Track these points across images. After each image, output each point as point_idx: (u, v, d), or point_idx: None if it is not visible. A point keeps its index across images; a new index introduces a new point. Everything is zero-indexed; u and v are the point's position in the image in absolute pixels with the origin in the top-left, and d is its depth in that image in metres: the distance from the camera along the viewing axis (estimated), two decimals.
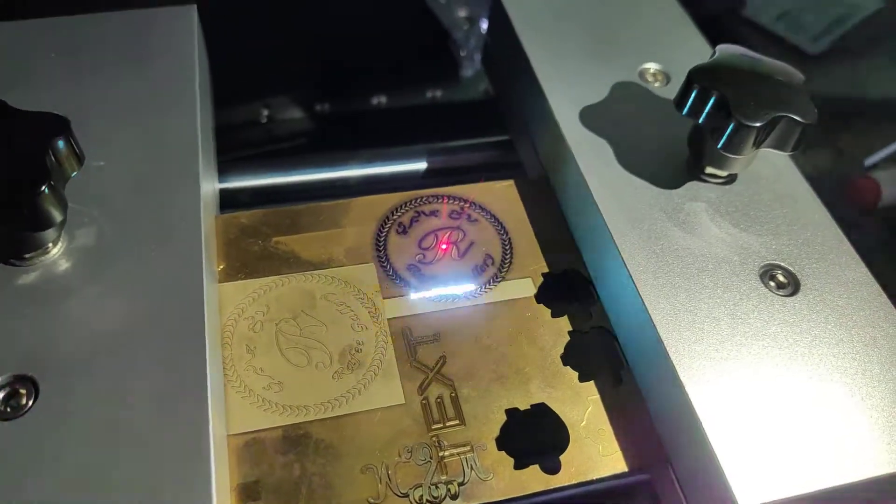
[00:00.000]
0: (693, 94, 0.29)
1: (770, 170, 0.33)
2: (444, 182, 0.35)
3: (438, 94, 0.59)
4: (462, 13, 0.63)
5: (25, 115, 0.24)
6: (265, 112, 0.55)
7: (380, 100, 0.58)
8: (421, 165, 0.42)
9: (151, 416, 0.23)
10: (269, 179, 0.40)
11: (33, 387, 0.23)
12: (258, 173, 0.40)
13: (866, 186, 0.50)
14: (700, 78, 0.29)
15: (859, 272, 0.30)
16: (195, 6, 0.36)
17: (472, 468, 0.26)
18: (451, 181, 0.35)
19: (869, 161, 0.54)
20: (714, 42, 0.33)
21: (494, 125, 0.44)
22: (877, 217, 0.48)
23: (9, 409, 0.23)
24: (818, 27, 0.69)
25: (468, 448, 0.26)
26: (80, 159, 0.25)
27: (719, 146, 0.29)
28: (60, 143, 0.23)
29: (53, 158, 0.23)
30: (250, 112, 0.55)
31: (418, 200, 0.33)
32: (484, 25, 0.63)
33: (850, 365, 0.27)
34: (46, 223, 0.23)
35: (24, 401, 0.23)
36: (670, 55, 0.37)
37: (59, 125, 0.24)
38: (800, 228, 0.31)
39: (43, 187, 0.22)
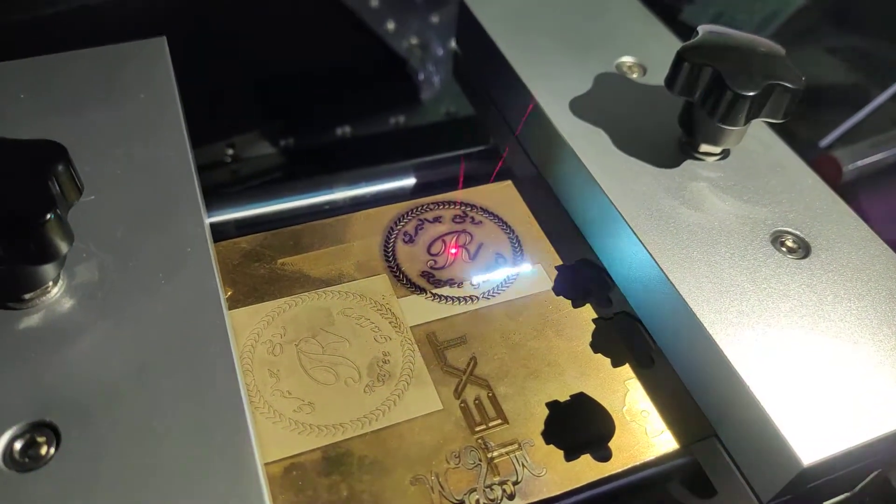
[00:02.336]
0: (685, 72, 0.30)
1: (757, 144, 0.34)
2: (429, 194, 0.35)
3: (402, 119, 0.59)
4: (413, 40, 0.64)
5: (19, 143, 0.22)
6: (230, 152, 0.53)
7: (344, 130, 0.57)
8: (403, 182, 0.42)
9: (190, 452, 0.21)
10: (253, 210, 0.39)
11: (53, 434, 0.21)
12: (241, 205, 0.39)
13: (828, 163, 0.51)
14: (691, 55, 0.29)
15: (862, 230, 0.30)
16: (164, 38, 0.35)
17: (523, 465, 0.25)
18: (435, 193, 0.35)
19: (824, 142, 0.56)
20: None
21: (462, 143, 0.44)
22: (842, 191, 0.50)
23: (27, 460, 0.21)
24: (752, 24, 0.72)
25: (516, 446, 0.25)
26: (79, 188, 0.23)
27: (717, 119, 0.29)
28: (62, 169, 0.22)
29: (56, 185, 0.22)
30: (213, 153, 0.53)
31: (420, 209, 0.33)
32: (438, 50, 0.63)
33: (873, 317, 0.27)
34: (53, 254, 0.22)
35: (44, 450, 0.21)
36: (643, 48, 0.38)
37: (58, 151, 0.22)
38: (798, 194, 0.32)
39: (49, 215, 0.21)
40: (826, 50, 0.69)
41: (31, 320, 0.24)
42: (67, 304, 0.24)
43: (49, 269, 0.24)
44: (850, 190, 0.54)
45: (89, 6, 0.44)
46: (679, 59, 0.30)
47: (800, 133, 0.59)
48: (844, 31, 0.71)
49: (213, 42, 0.51)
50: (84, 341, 0.23)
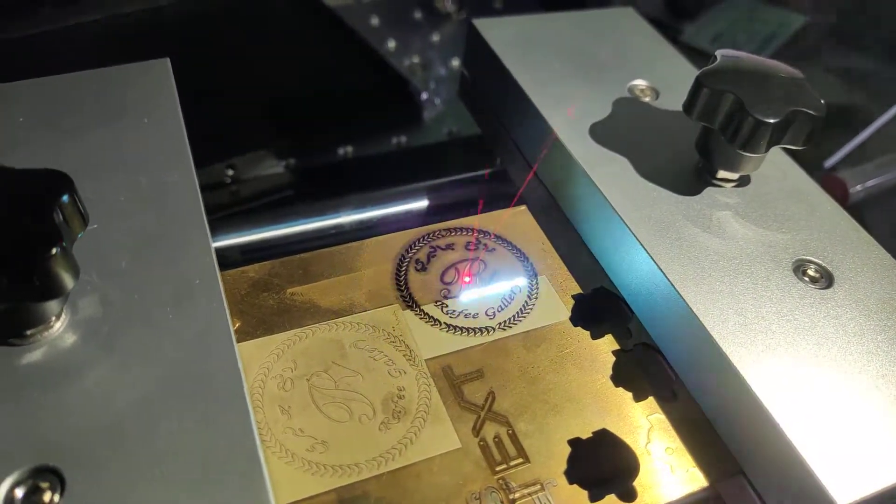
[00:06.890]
0: (704, 98, 0.29)
1: (774, 170, 0.33)
2: (439, 219, 0.34)
3: (404, 139, 0.58)
4: (415, 59, 0.63)
5: (23, 172, 0.21)
6: (229, 172, 0.52)
7: (346, 150, 0.57)
8: (411, 206, 0.41)
9: (201, 497, 0.20)
10: (256, 235, 0.38)
11: (58, 479, 0.20)
12: (244, 229, 0.38)
13: (834, 184, 0.51)
14: (710, 81, 0.29)
15: (884, 258, 0.30)
16: (168, 59, 0.34)
17: None
18: (446, 218, 0.34)
19: (828, 163, 0.56)
20: None
21: (465, 163, 0.44)
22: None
23: None
24: (751, 46, 0.72)
25: (538, 486, 0.24)
26: (85, 219, 0.22)
27: (737, 145, 0.29)
28: (67, 200, 0.21)
29: (61, 217, 0.21)
30: (213, 174, 0.52)
31: (432, 235, 0.32)
32: (440, 69, 0.63)
33: None
34: (59, 290, 0.21)
35: (47, 496, 0.20)
36: (654, 71, 0.38)
37: (63, 181, 0.21)
38: (818, 221, 0.31)
39: (55, 249, 0.20)
40: (827, 70, 0.69)
41: (33, 356, 0.23)
42: (70, 339, 0.23)
43: (53, 304, 0.23)
44: (857, 211, 0.53)
45: (89, 24, 0.43)
46: (698, 84, 0.29)
47: (803, 154, 0.58)
48: (845, 51, 0.72)
49: (214, 61, 0.50)
50: (88, 379, 0.22)
